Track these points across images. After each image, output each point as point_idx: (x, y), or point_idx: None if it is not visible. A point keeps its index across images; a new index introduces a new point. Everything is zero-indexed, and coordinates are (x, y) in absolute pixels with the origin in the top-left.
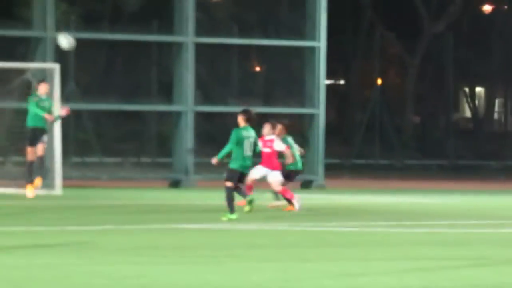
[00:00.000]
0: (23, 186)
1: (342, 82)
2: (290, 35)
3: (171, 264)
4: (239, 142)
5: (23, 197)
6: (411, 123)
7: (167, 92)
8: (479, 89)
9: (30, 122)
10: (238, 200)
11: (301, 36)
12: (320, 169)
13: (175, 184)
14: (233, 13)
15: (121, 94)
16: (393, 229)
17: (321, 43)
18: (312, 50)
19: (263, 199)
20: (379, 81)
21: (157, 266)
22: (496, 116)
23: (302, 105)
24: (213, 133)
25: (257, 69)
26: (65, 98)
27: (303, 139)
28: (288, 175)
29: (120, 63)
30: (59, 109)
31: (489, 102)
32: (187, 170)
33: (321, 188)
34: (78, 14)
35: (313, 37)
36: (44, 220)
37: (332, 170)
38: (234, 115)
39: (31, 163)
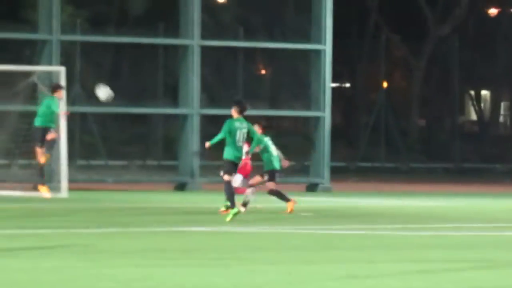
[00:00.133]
0: (28, 189)
1: (347, 85)
2: (296, 38)
3: (177, 266)
4: (232, 133)
5: (29, 200)
6: (417, 126)
7: (173, 95)
8: (484, 92)
9: (40, 122)
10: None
11: (307, 39)
12: (326, 172)
13: (180, 187)
14: (239, 16)
15: (127, 97)
16: (399, 232)
17: (327, 46)
18: (318, 53)
19: (268, 201)
20: (385, 84)
21: (163, 269)
22: (501, 119)
23: (308, 108)
24: None
25: (263, 72)
26: (71, 100)
27: (308, 142)
28: (271, 176)
29: (126, 66)
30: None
31: (494, 105)
32: (192, 173)
33: (327, 191)
34: (84, 17)
35: (319, 40)
36: (49, 222)
37: (337, 173)
38: None
39: (43, 165)
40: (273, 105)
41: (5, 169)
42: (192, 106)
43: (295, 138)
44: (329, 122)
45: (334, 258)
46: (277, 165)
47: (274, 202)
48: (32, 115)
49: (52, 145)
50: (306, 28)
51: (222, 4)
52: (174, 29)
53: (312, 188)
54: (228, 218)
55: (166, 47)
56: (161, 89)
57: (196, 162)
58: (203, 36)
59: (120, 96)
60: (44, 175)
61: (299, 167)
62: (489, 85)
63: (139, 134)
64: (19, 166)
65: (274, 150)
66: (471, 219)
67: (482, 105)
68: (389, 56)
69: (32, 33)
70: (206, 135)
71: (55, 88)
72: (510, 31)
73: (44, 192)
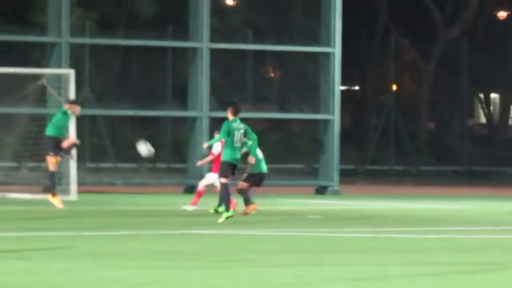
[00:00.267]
0: (37, 191)
1: (356, 88)
2: (305, 40)
3: (185, 269)
4: (230, 134)
5: (38, 202)
6: (426, 129)
7: (182, 97)
8: (494, 95)
9: (52, 132)
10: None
11: (316, 41)
12: (335, 175)
13: (190, 189)
14: (248, 19)
15: (136, 99)
16: (407, 235)
17: (336, 49)
18: (327, 56)
19: (275, 204)
20: (394, 87)
21: (170, 271)
22: (511, 122)
23: (317, 110)
24: None
25: (272, 74)
26: (80, 103)
27: (317, 145)
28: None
29: (135, 68)
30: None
31: (504, 108)
32: (202, 176)
33: (336, 194)
34: (93, 20)
35: (328, 42)
36: (59, 225)
37: (346, 176)
38: (249, 121)
39: (54, 173)
40: (282, 108)
41: (14, 172)
42: (201, 109)
43: (304, 141)
44: (338, 124)
45: (343, 261)
46: (265, 168)
47: (282, 205)
48: (42, 118)
49: (70, 149)
50: (315, 31)
51: (231, 7)
52: (183, 31)
53: (321, 191)
54: (221, 220)
55: (175, 50)
56: (170, 91)
57: (205, 165)
58: (212, 39)
59: (129, 98)
60: (56, 184)
61: (309, 170)
62: (498, 88)
63: (148, 136)
64: (28, 168)
65: (259, 152)
66: (480, 222)
67: (491, 108)
68: (398, 59)
69: (41, 35)
70: None
71: (72, 103)
72: None
73: (56, 202)
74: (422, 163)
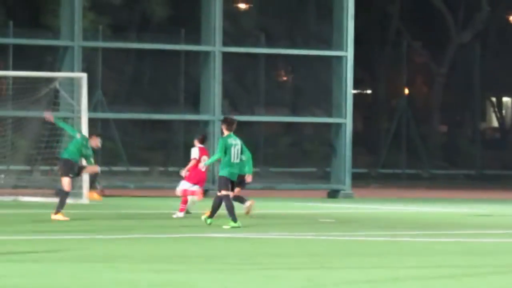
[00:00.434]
0: (50, 195)
1: (369, 91)
2: (318, 44)
3: (197, 272)
4: (227, 150)
5: (50, 205)
6: (438, 133)
7: (194, 101)
8: (506, 99)
9: (69, 155)
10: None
11: (328, 45)
12: (348, 179)
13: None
14: (260, 22)
15: (148, 103)
16: (419, 238)
17: (349, 52)
18: (340, 60)
19: (287, 207)
20: (406, 91)
21: (182, 275)
22: None
23: (329, 114)
24: None
25: (284, 78)
26: (93, 107)
27: (330, 148)
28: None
29: (147, 72)
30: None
31: None
32: (214, 179)
33: (348, 197)
34: (106, 23)
35: (341, 46)
36: (71, 228)
37: (359, 180)
38: (261, 124)
39: (67, 194)
40: (295, 112)
41: (26, 175)
42: (213, 112)
43: (316, 144)
44: (350, 128)
45: (355, 264)
46: (247, 169)
47: (294, 209)
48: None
49: (94, 181)
50: (328, 35)
51: (243, 11)
52: (195, 35)
53: (333, 194)
54: (226, 227)
55: (187, 53)
56: (182, 95)
57: (217, 169)
58: (225, 43)
59: (141, 102)
60: (64, 205)
61: (321, 173)
62: (511, 91)
63: (161, 140)
64: (40, 172)
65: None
66: (492, 225)
67: (503, 111)
68: (411, 63)
69: (53, 39)
70: None
71: (94, 135)
72: None
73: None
74: (434, 166)
